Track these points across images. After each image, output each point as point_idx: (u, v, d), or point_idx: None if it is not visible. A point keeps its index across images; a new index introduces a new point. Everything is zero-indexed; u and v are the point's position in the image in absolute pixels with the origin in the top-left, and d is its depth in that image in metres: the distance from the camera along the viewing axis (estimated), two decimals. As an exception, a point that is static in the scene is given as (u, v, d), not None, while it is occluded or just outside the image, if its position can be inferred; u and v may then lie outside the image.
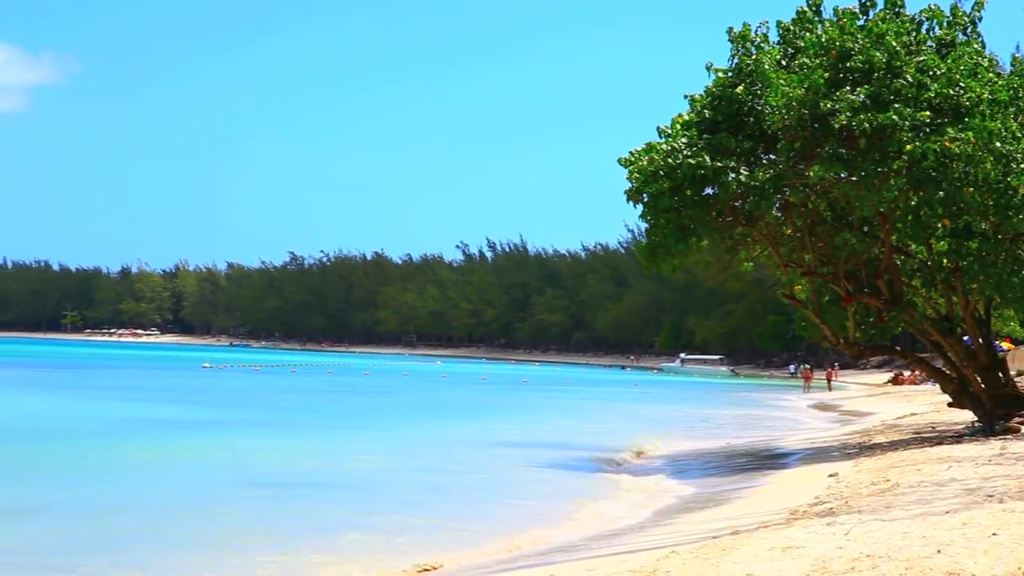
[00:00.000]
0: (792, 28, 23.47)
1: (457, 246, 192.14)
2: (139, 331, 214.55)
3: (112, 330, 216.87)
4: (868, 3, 23.03)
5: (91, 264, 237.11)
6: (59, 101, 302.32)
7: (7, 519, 15.43)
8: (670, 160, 21.93)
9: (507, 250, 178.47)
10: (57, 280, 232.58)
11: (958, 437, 22.83)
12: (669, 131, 22.68)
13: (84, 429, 29.41)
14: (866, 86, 21.12)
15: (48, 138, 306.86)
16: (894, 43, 21.35)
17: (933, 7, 22.90)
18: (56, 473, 20.57)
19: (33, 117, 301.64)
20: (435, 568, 13.06)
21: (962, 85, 21.28)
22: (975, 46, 22.74)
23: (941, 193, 21.03)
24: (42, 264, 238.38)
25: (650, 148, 22.35)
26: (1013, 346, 48.27)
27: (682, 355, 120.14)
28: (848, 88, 21.13)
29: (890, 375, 72.06)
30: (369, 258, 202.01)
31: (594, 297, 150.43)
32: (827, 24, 22.84)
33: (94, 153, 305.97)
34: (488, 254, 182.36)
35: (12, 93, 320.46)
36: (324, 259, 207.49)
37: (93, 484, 19.19)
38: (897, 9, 22.87)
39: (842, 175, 21.63)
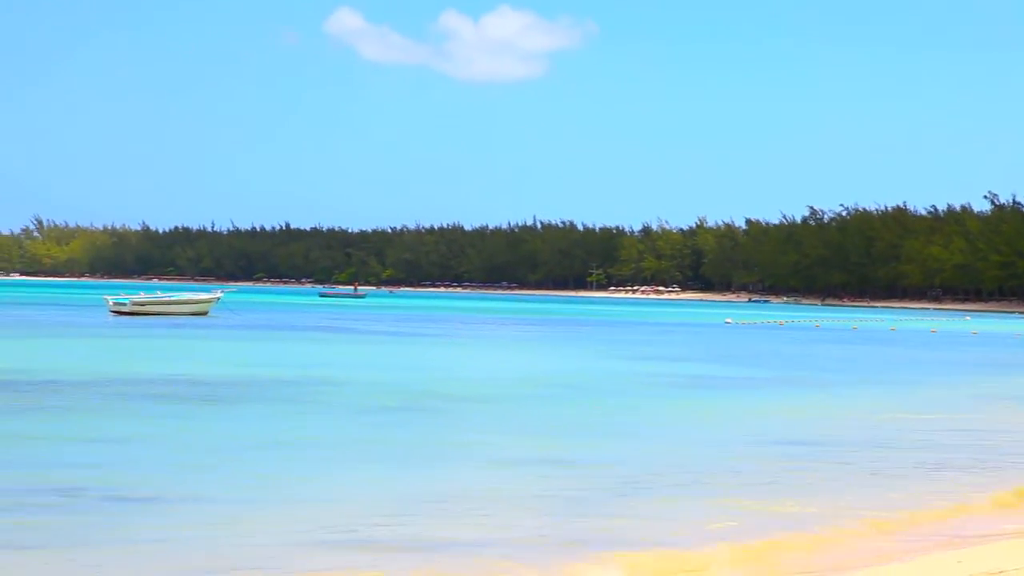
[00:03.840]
0: None
1: (985, 196, 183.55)
2: (660, 288, 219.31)
3: (635, 287, 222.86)
4: None
5: (614, 223, 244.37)
6: (577, 65, 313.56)
7: (540, 471, 15.86)
8: None
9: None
10: (582, 239, 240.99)
11: None
12: None
13: (610, 387, 30.03)
14: None
15: (568, 101, 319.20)
16: None
17: None
18: (584, 429, 21.04)
19: (552, 81, 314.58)
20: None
21: None
22: None
23: None
24: (568, 224, 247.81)
25: None
26: None
27: None
28: None
29: None
30: (889, 211, 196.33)
31: None
32: None
33: (613, 114, 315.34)
34: None
35: (532, 59, 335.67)
36: (843, 213, 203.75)
37: (616, 440, 19.44)
38: None
39: None
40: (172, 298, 68.00)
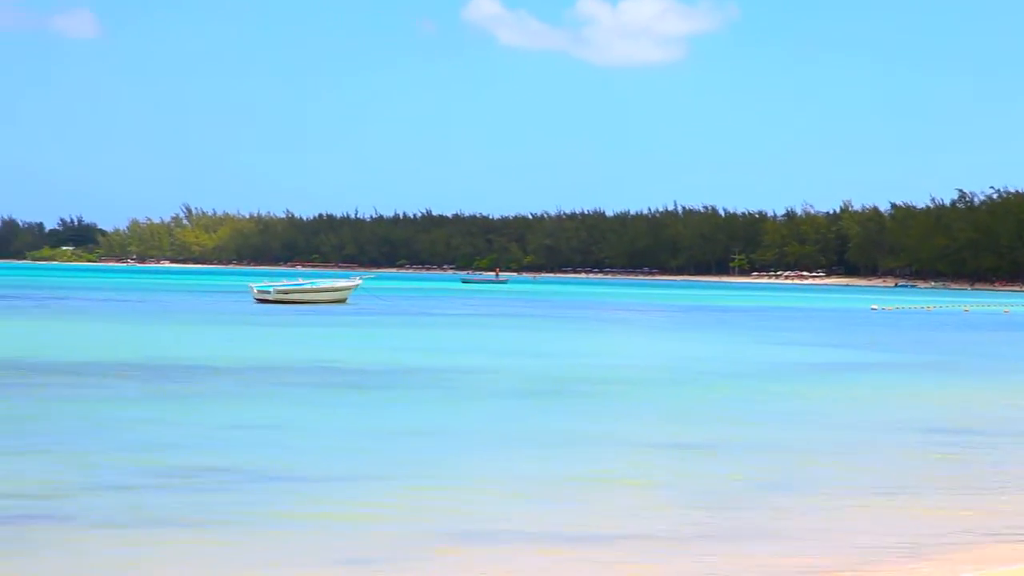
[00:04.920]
0: None
1: None
2: (804, 273, 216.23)
3: (778, 272, 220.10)
4: None
5: (756, 207, 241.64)
6: (717, 48, 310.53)
7: (683, 458, 15.59)
8: None
9: None
10: (724, 224, 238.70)
11: None
12: None
13: (755, 372, 29.54)
14: None
15: (708, 85, 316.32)
16: None
17: None
18: (728, 414, 20.69)
19: (692, 66, 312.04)
20: None
21: None
22: None
23: None
24: (709, 209, 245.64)
25: None
26: None
27: None
28: None
29: None
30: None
31: None
32: None
33: (754, 98, 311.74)
34: None
35: (671, 43, 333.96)
36: (994, 195, 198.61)
37: (760, 427, 19.05)
38: None
39: None
40: (313, 286, 68.86)
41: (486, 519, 11.61)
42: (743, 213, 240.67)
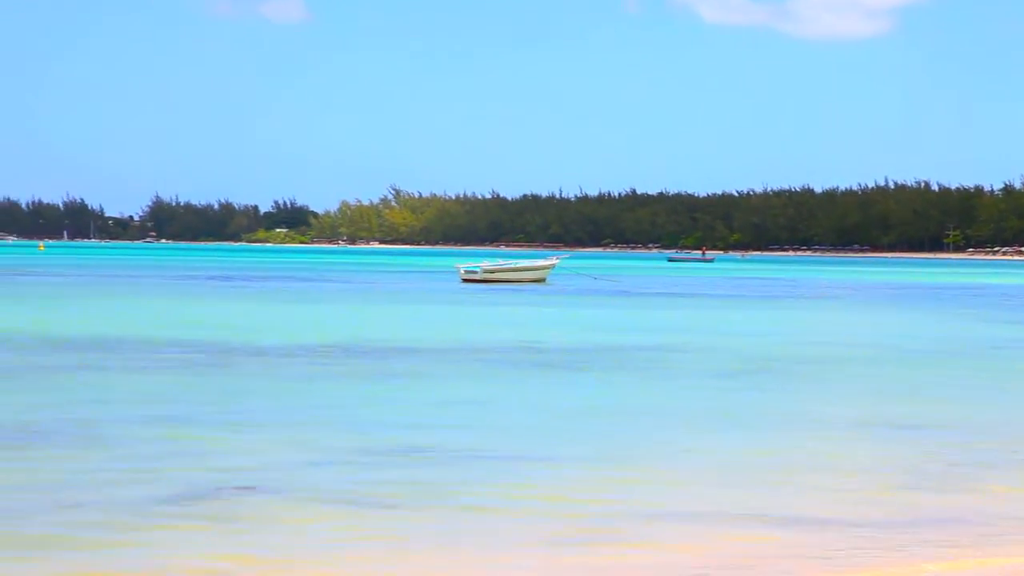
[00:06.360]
0: None
1: None
2: (1022, 249, 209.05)
3: (995, 248, 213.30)
4: None
5: (972, 182, 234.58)
6: (925, 20, 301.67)
7: (888, 437, 15.25)
8: None
9: None
10: (937, 200, 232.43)
11: None
12: None
13: (966, 351, 28.75)
14: None
15: (916, 58, 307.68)
16: None
17: None
18: (937, 394, 20.16)
19: (900, 38, 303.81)
20: None
21: None
22: None
23: None
24: (922, 184, 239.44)
25: None
26: None
27: None
28: None
29: None
30: None
31: None
32: None
33: (965, 70, 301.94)
34: None
35: (877, 16, 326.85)
36: None
37: (972, 407, 18.50)
38: None
39: None
40: (517, 265, 69.68)
41: (683, 500, 11.53)
42: (957, 188, 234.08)
